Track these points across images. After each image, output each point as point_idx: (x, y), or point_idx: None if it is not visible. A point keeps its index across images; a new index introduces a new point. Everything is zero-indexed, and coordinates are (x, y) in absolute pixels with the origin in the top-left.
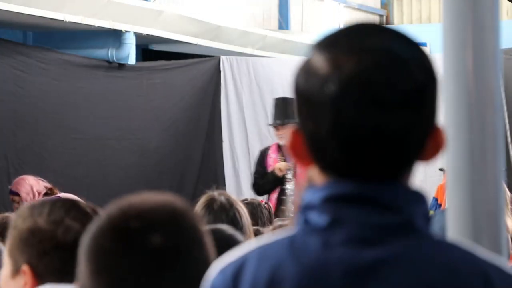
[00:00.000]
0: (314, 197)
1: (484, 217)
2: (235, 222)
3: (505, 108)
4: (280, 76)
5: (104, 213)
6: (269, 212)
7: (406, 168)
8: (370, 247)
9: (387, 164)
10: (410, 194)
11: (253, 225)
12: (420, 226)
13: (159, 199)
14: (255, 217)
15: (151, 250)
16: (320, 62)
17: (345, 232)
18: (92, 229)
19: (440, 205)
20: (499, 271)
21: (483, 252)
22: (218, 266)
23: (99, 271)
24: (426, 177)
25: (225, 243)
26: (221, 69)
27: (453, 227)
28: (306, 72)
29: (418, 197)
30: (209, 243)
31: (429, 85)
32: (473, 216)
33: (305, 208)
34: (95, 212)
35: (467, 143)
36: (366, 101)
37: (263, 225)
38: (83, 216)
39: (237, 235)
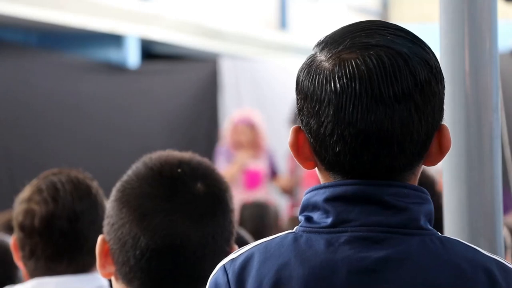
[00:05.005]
0: (317, 196)
1: (481, 218)
2: None
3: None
4: (279, 80)
5: (141, 166)
6: (276, 213)
7: (410, 166)
8: (375, 247)
9: (390, 163)
10: (413, 193)
11: (260, 226)
12: (423, 225)
13: (188, 154)
14: (261, 218)
15: (195, 196)
16: (323, 60)
17: (349, 232)
18: (128, 179)
19: None
20: (500, 266)
21: (482, 250)
22: (222, 263)
23: (143, 216)
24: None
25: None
26: (221, 70)
27: (450, 228)
28: (308, 70)
29: (421, 196)
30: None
31: (431, 82)
32: (470, 217)
33: (308, 207)
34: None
35: (464, 143)
36: (367, 97)
37: (270, 226)
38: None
39: (243, 233)
